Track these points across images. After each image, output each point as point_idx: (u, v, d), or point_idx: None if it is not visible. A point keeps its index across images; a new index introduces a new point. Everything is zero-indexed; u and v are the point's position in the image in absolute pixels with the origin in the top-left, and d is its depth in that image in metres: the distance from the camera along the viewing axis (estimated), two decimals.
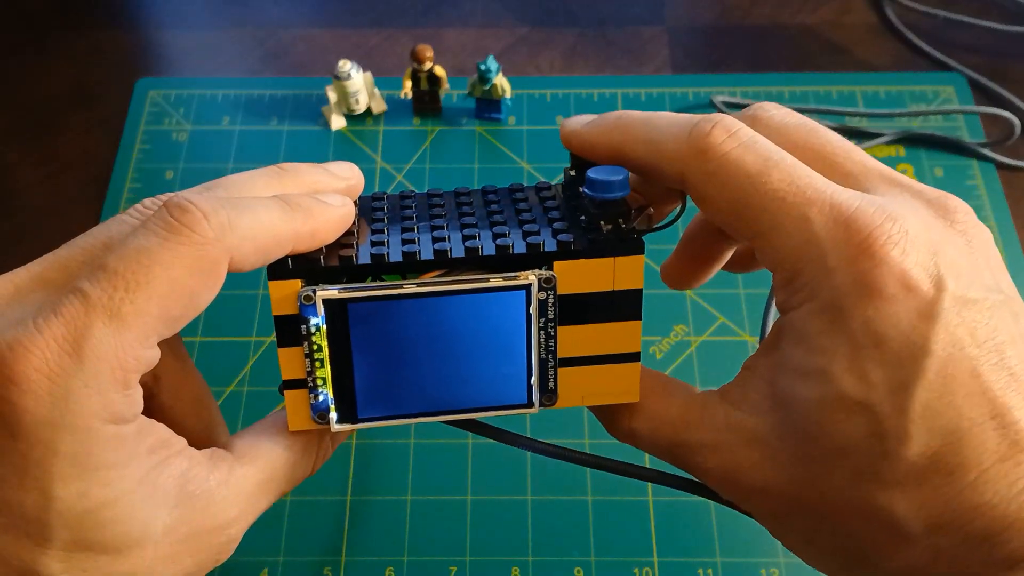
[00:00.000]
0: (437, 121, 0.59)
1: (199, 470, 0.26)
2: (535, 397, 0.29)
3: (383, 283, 0.27)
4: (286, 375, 0.28)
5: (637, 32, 0.64)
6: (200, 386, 0.30)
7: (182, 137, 0.58)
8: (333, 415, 0.29)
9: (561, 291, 0.28)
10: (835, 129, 0.57)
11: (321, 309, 0.27)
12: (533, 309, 0.28)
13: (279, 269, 0.27)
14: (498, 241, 0.28)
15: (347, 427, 0.29)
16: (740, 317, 0.50)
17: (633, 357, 0.29)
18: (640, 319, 0.29)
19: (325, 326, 0.27)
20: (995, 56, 0.62)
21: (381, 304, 0.27)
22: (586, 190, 0.29)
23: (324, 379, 0.28)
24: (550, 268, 0.28)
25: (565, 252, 0.28)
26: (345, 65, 0.56)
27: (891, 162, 0.56)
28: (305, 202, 0.27)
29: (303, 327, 0.27)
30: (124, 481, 0.24)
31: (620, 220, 0.28)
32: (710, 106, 0.59)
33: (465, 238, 0.28)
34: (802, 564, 0.44)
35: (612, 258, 0.28)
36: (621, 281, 0.28)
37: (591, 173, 0.28)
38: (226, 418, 0.45)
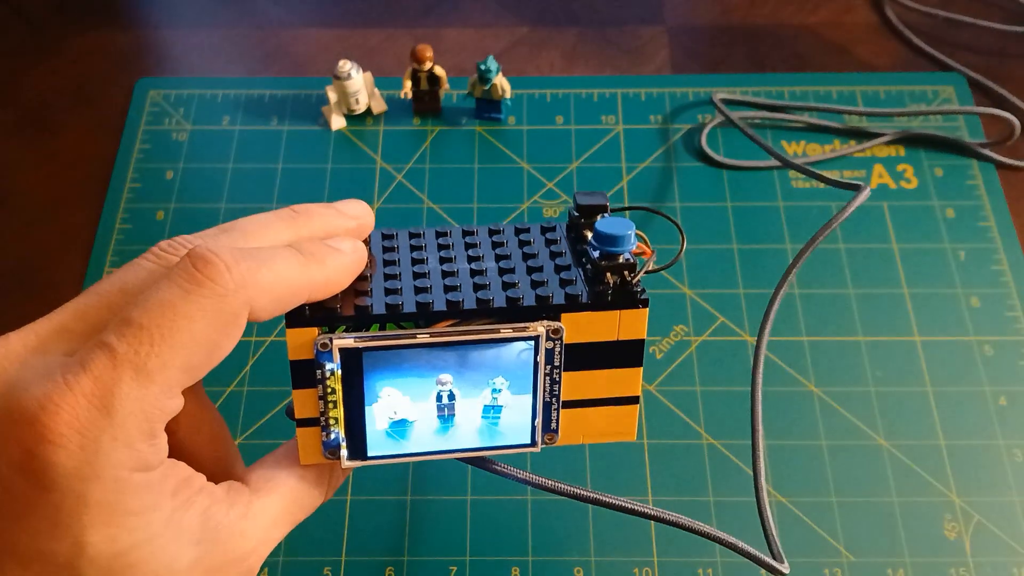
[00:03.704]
0: (437, 121, 0.59)
1: (220, 506, 0.27)
2: (538, 437, 0.30)
3: (397, 332, 0.28)
4: (299, 414, 0.29)
5: (637, 32, 0.64)
6: (216, 421, 0.31)
7: (182, 137, 0.58)
8: (344, 452, 0.30)
9: (568, 340, 0.29)
10: (835, 129, 0.57)
11: (337, 357, 0.28)
12: (540, 357, 0.29)
13: (297, 318, 0.28)
14: (508, 292, 0.29)
15: (357, 463, 0.30)
16: (740, 317, 0.50)
17: (633, 400, 0.30)
18: (641, 366, 0.30)
19: (340, 371, 0.28)
20: (995, 56, 0.62)
21: (395, 352, 0.28)
22: (593, 241, 0.29)
23: (336, 419, 0.29)
24: (558, 319, 0.28)
25: (573, 305, 0.28)
26: (345, 65, 0.56)
27: (891, 162, 0.56)
28: (319, 252, 0.27)
29: (318, 371, 0.28)
30: (152, 525, 0.25)
31: (625, 272, 0.29)
32: (709, 104, 0.59)
33: (476, 287, 0.29)
34: (802, 565, 0.44)
35: (618, 311, 0.29)
36: (625, 331, 0.29)
37: (599, 227, 0.29)
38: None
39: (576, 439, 0.31)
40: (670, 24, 0.64)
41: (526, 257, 0.31)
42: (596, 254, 0.29)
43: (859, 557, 0.43)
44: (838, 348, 0.49)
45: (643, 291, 0.29)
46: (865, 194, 0.44)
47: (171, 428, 0.29)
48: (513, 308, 0.28)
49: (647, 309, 0.29)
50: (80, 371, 0.23)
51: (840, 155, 0.56)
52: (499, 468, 0.32)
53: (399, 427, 0.30)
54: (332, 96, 0.57)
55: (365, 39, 0.64)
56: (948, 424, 0.47)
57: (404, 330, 0.28)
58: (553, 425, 0.30)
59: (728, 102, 0.58)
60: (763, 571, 0.43)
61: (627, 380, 0.30)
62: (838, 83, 0.60)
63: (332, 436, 0.29)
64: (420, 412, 0.29)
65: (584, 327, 0.29)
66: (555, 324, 0.28)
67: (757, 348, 0.40)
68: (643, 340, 0.29)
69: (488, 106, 0.58)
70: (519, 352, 0.29)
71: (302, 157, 0.57)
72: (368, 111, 0.58)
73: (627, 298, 0.29)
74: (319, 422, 0.29)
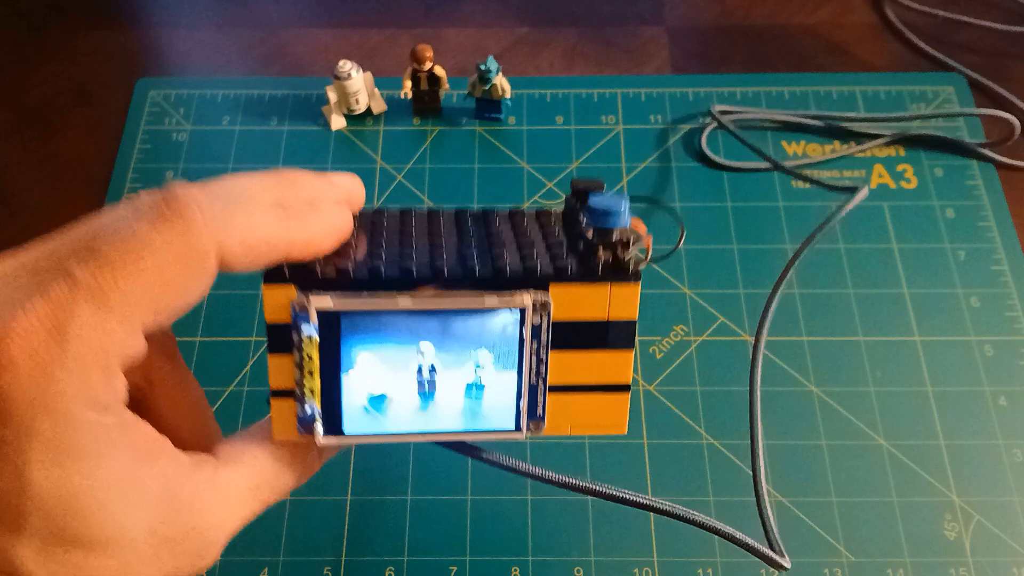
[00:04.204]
0: (437, 121, 0.59)
1: (184, 472, 0.26)
2: (523, 423, 0.29)
3: (379, 296, 0.27)
4: (274, 384, 0.28)
5: (637, 32, 0.64)
6: (196, 393, 0.30)
7: (182, 137, 0.58)
8: (319, 428, 0.29)
9: (555, 317, 0.28)
10: (835, 129, 0.57)
11: (315, 318, 0.27)
12: (526, 332, 0.28)
13: (275, 274, 0.27)
14: (495, 262, 0.28)
15: (332, 441, 0.29)
16: (740, 317, 0.50)
17: (624, 388, 0.29)
18: (633, 348, 0.29)
19: (317, 336, 0.27)
20: (995, 56, 0.62)
21: (375, 317, 0.27)
22: (586, 217, 0.29)
23: (313, 390, 0.28)
24: (545, 291, 0.28)
25: (560, 275, 0.27)
26: (345, 65, 0.56)
27: (891, 162, 0.56)
28: (301, 209, 0.27)
29: (295, 335, 0.27)
30: (104, 473, 0.24)
31: (619, 248, 0.28)
32: (708, 107, 0.59)
33: (462, 256, 0.28)
34: (802, 565, 0.44)
35: (608, 284, 0.28)
36: (616, 310, 0.28)
37: (592, 201, 0.28)
38: (226, 418, 0.45)
39: (563, 429, 0.30)
40: (670, 24, 0.64)
41: (518, 234, 0.30)
42: (589, 230, 0.28)
43: (859, 557, 0.43)
44: (838, 348, 0.49)
45: (635, 265, 0.28)
46: (862, 194, 0.45)
47: (145, 393, 0.28)
48: (499, 277, 0.27)
49: (639, 284, 0.28)
50: (38, 297, 0.23)
51: (840, 155, 0.56)
52: (485, 456, 0.31)
53: (377, 402, 0.29)
54: (332, 96, 0.57)
55: (365, 39, 0.64)
56: (948, 424, 0.47)
57: (386, 293, 0.27)
58: (539, 411, 0.29)
59: (728, 106, 0.58)
60: (763, 572, 0.43)
61: (618, 364, 0.29)
62: (838, 83, 0.60)
63: (308, 410, 0.28)
64: (399, 385, 0.28)
65: (573, 302, 0.28)
66: (542, 296, 0.27)
67: (755, 346, 0.40)
68: (635, 321, 0.28)
69: (488, 106, 0.58)
70: (504, 325, 0.28)
71: (302, 157, 0.57)
72: (368, 111, 0.58)
73: (618, 272, 0.27)
74: (294, 393, 0.28)
